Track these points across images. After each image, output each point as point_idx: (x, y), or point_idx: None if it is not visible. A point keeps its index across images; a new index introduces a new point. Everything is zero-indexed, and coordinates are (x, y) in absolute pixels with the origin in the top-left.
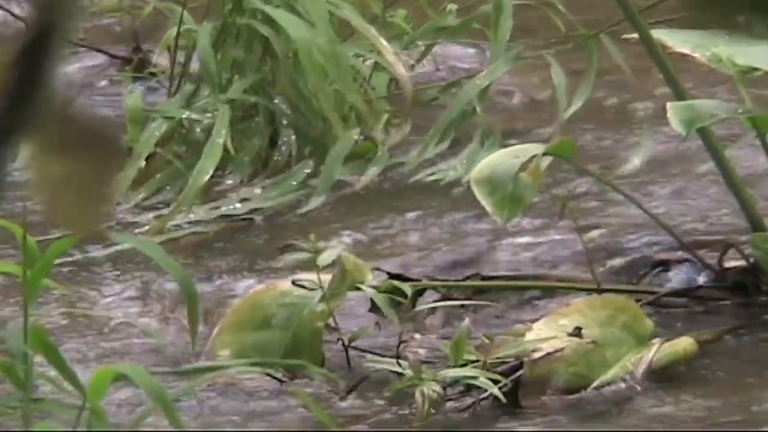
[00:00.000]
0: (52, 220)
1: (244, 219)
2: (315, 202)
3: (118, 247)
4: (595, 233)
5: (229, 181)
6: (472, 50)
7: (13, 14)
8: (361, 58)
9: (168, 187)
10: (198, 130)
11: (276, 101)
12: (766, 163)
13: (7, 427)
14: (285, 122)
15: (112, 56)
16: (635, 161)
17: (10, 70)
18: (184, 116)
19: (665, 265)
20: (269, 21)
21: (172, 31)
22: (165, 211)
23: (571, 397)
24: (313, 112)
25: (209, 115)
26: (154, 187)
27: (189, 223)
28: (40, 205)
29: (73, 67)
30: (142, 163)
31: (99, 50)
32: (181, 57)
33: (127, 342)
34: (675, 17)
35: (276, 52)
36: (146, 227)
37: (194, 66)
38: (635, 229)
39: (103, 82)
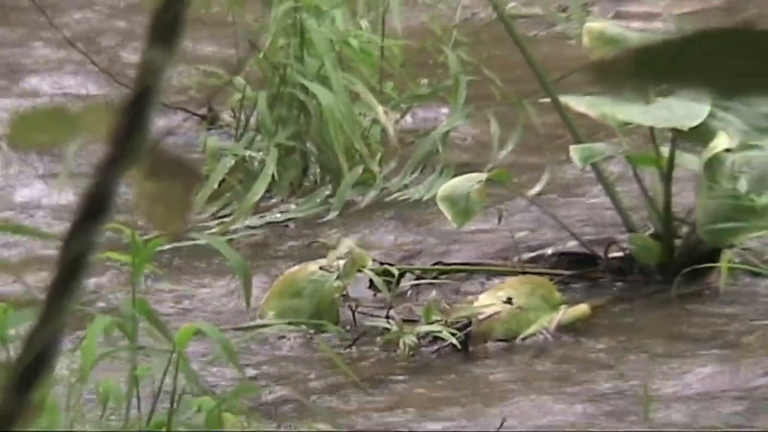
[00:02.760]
0: (150, 225)
1: (282, 225)
2: (332, 214)
3: (197, 242)
4: (521, 233)
5: (273, 199)
6: (440, 110)
7: (118, 81)
8: (363, 116)
9: (233, 203)
10: (255, 163)
11: (308, 145)
12: (638, 186)
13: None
14: (313, 159)
15: (193, 113)
16: (541, 184)
17: (121, 116)
18: (245, 154)
19: (569, 256)
20: (305, 90)
21: (237, 96)
22: (227, 219)
23: (505, 344)
24: (333, 153)
25: (262, 153)
26: (223, 203)
27: (246, 227)
28: (141, 214)
29: (164, 120)
30: (215, 186)
31: (183, 109)
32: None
33: (202, 308)
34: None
35: (309, 111)
36: (215, 229)
37: (252, 120)
38: (548, 230)
39: (186, 131)
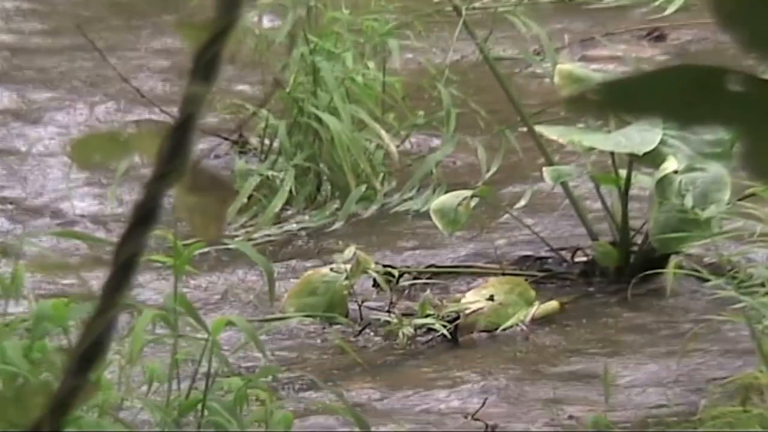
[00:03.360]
0: (190, 232)
1: (297, 233)
2: (339, 224)
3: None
4: (501, 241)
5: (290, 211)
6: (434, 137)
7: (164, 111)
8: (369, 141)
9: (258, 214)
10: (276, 181)
11: (320, 165)
12: (600, 201)
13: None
14: (325, 178)
15: (225, 138)
16: (524, 200)
17: (167, 139)
18: (268, 173)
19: (541, 260)
20: (318, 120)
21: (262, 124)
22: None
23: (488, 334)
24: (341, 172)
25: (282, 173)
26: (250, 214)
27: (266, 234)
28: (182, 222)
29: (202, 143)
30: (245, 200)
31: (218, 135)
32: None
33: (232, 302)
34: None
35: (322, 137)
36: (243, 236)
37: (274, 144)
38: (525, 239)
39: (221, 153)
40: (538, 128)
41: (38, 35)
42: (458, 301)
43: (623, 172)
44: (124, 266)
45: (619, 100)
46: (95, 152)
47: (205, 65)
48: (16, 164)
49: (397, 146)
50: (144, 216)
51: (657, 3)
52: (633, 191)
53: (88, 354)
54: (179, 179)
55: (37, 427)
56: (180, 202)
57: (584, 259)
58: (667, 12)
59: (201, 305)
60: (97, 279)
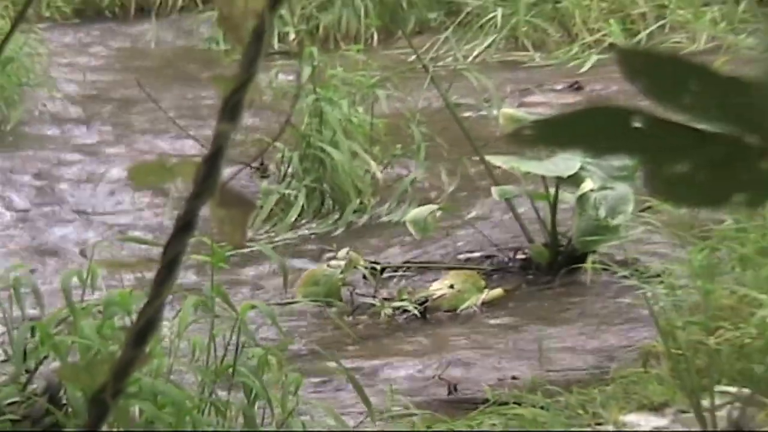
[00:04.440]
0: (220, 237)
1: (307, 238)
2: (338, 231)
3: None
4: (459, 243)
5: (302, 221)
6: (409, 164)
7: (200, 143)
8: (360, 167)
9: (277, 224)
10: (291, 198)
11: (324, 186)
12: (535, 213)
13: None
14: (327, 195)
15: (250, 165)
16: (474, 212)
17: (202, 166)
18: (284, 192)
19: (490, 258)
20: (323, 150)
21: (279, 154)
22: (273, 234)
23: (450, 313)
24: (340, 191)
25: (295, 192)
26: (271, 223)
27: (281, 239)
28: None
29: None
30: (267, 212)
31: (243, 162)
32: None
33: (255, 290)
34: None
35: (325, 164)
36: (265, 240)
37: (289, 170)
38: (477, 242)
39: (246, 178)
40: (488, 157)
41: (108, 85)
42: (427, 289)
43: (552, 191)
44: (169, 264)
45: (547, 135)
46: (149, 176)
47: (231, 109)
48: (91, 187)
49: (382, 171)
50: (185, 225)
51: (576, 62)
52: (560, 206)
53: (143, 331)
54: (211, 197)
55: (104, 387)
56: (212, 214)
57: (523, 256)
58: (584, 69)
59: (232, 293)
60: (151, 274)
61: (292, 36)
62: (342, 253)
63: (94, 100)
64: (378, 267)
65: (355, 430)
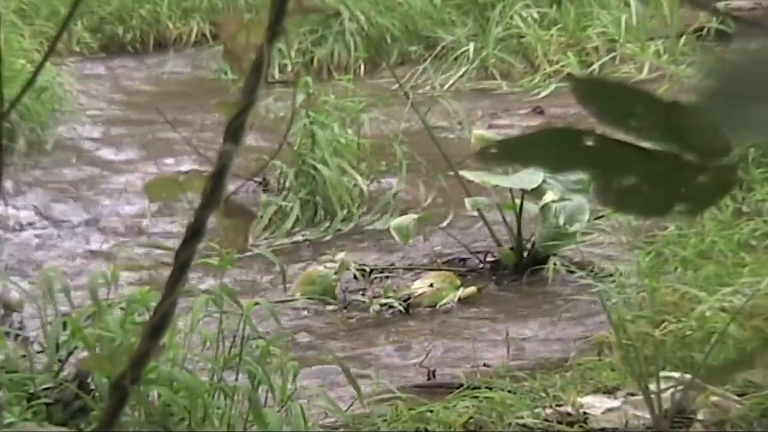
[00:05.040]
0: (225, 243)
1: (301, 243)
2: (328, 237)
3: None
4: (437, 248)
5: (297, 229)
6: (392, 179)
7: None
8: (348, 182)
9: (276, 231)
10: (288, 209)
11: (317, 198)
12: (503, 221)
13: (209, 324)
14: (320, 206)
15: (252, 179)
16: (448, 220)
17: (210, 181)
18: (282, 204)
19: (464, 260)
20: (315, 168)
21: (277, 170)
22: (272, 240)
23: (429, 309)
24: (330, 202)
25: (291, 203)
26: (271, 230)
27: (279, 244)
28: (221, 235)
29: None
30: (267, 221)
31: (246, 177)
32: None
33: (257, 290)
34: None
35: (317, 179)
36: (262, 246)
37: (286, 184)
38: (453, 246)
39: (248, 191)
40: (461, 173)
41: (129, 111)
42: (409, 287)
43: (518, 202)
44: (181, 267)
45: (511, 154)
46: (163, 190)
47: (234, 131)
48: (113, 199)
49: (368, 185)
50: (194, 232)
51: (538, 89)
52: (525, 214)
53: (158, 326)
54: (217, 208)
55: (123, 375)
56: (218, 223)
57: (493, 259)
58: (544, 95)
59: (238, 291)
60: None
61: (289, 67)
62: (339, 256)
63: (117, 124)
64: (367, 269)
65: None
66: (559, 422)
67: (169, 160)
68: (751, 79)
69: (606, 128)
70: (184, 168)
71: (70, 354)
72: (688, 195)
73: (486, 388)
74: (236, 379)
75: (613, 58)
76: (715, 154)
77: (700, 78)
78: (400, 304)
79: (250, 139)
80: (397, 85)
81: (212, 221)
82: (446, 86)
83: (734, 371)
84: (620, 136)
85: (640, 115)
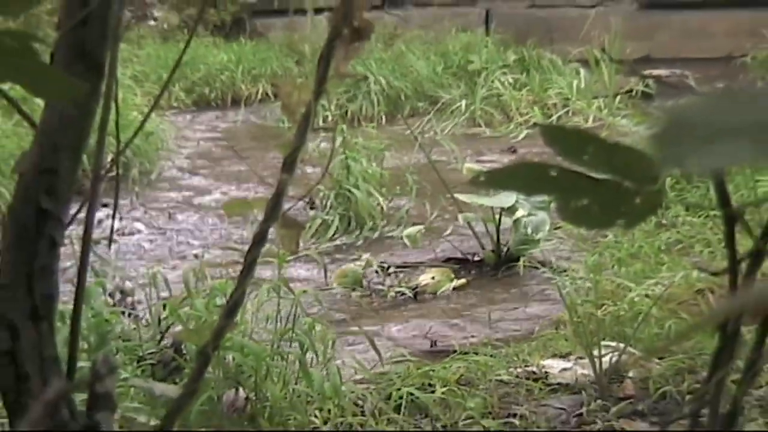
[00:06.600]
0: (282, 247)
1: (339, 247)
2: (359, 242)
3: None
4: (438, 250)
5: (336, 236)
6: (404, 200)
7: (268, 184)
8: (373, 202)
9: (320, 238)
10: (329, 222)
11: (351, 213)
12: (486, 231)
13: (271, 306)
14: (352, 219)
15: (302, 200)
16: (448, 231)
17: (270, 202)
18: (325, 217)
19: (458, 259)
20: (350, 191)
21: (321, 193)
22: (317, 244)
23: (432, 295)
24: (361, 216)
25: (332, 217)
26: (316, 237)
27: (324, 247)
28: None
29: (288, 203)
30: (313, 230)
31: (297, 198)
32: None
33: (305, 281)
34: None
35: (351, 200)
36: (310, 249)
37: (327, 203)
38: (450, 249)
39: (298, 208)
40: (457, 195)
41: (212, 150)
42: (417, 279)
43: (497, 217)
44: (250, 264)
45: (495, 181)
46: (236, 208)
47: (289, 164)
48: (200, 214)
49: (387, 204)
50: (259, 239)
51: (513, 134)
52: (502, 226)
53: (232, 308)
54: (276, 221)
55: (207, 344)
56: (277, 232)
57: (478, 259)
58: (518, 139)
59: (292, 282)
60: (238, 271)
61: (330, 117)
62: (365, 256)
63: (202, 159)
64: (386, 266)
65: (364, 430)
66: (527, 378)
67: (241, 186)
68: (680, 127)
69: (565, 163)
70: (252, 192)
71: (168, 328)
72: (627, 213)
73: (473, 353)
74: (290, 347)
75: (567, 111)
76: (647, 182)
77: (631, 127)
78: (410, 292)
79: (300, 171)
80: (409, 131)
81: (272, 231)
82: (445, 132)
83: (665, 349)
84: (576, 168)
85: (591, 153)
